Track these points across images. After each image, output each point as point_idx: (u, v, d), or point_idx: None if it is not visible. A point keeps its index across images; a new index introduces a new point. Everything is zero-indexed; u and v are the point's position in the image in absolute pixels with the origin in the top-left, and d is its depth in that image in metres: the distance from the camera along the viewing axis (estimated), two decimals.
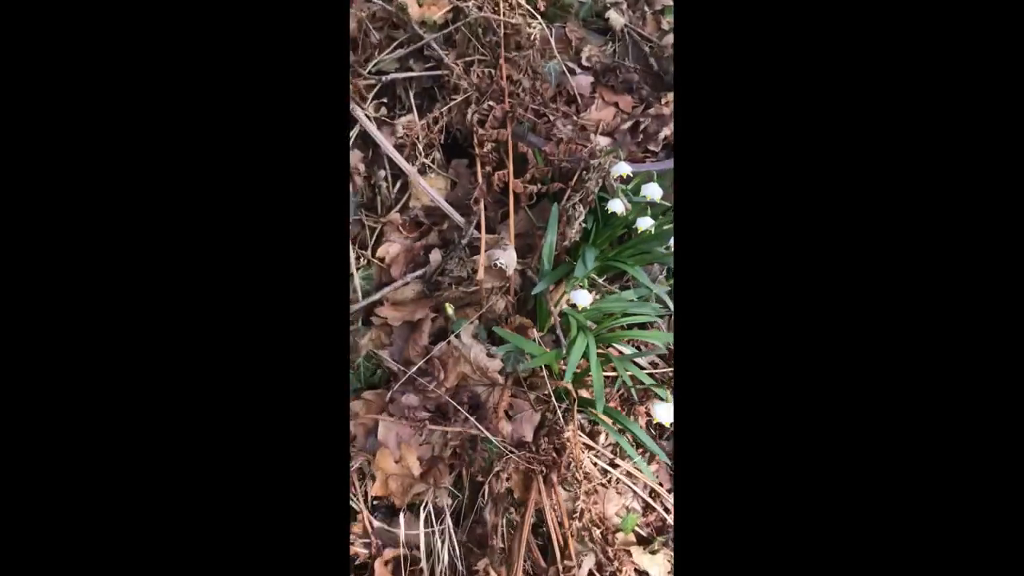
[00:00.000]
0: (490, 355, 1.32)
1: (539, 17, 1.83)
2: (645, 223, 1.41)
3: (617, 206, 1.40)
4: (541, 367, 1.38)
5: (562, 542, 1.30)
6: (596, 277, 1.62)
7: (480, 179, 1.49)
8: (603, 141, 1.81)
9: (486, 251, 1.41)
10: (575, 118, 1.59)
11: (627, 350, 1.55)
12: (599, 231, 1.57)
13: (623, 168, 1.39)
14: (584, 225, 1.48)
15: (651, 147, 1.77)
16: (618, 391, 1.54)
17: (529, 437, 1.33)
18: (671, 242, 1.30)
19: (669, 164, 1.61)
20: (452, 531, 1.18)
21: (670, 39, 1.99)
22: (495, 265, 1.35)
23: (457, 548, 1.16)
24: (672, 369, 1.63)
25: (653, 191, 1.38)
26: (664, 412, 1.16)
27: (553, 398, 1.38)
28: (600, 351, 1.45)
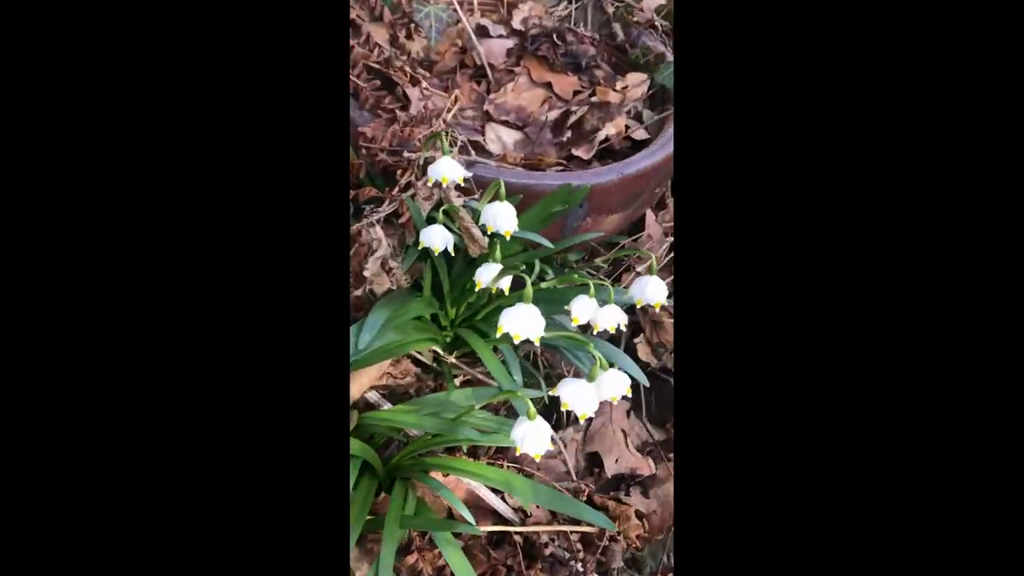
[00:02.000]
0: None
1: None
2: (486, 274, 0.76)
3: (434, 238, 0.76)
4: None
5: None
6: (442, 353, 0.97)
7: None
8: (507, 136, 1.18)
9: None
10: (425, 86, 0.96)
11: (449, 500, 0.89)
12: (448, 274, 0.93)
13: (446, 169, 0.75)
14: (395, 264, 0.85)
15: (579, 152, 1.11)
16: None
17: None
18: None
19: (583, 178, 0.94)
20: None
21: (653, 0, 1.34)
22: None
23: None
24: (545, 529, 0.94)
25: (496, 216, 0.73)
26: None
27: None
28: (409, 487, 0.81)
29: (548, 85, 1.24)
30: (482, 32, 1.24)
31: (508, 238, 0.76)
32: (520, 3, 1.36)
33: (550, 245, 0.84)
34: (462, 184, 0.77)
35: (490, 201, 0.77)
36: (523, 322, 0.66)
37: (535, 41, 1.25)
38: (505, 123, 1.18)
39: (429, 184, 0.78)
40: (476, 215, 0.85)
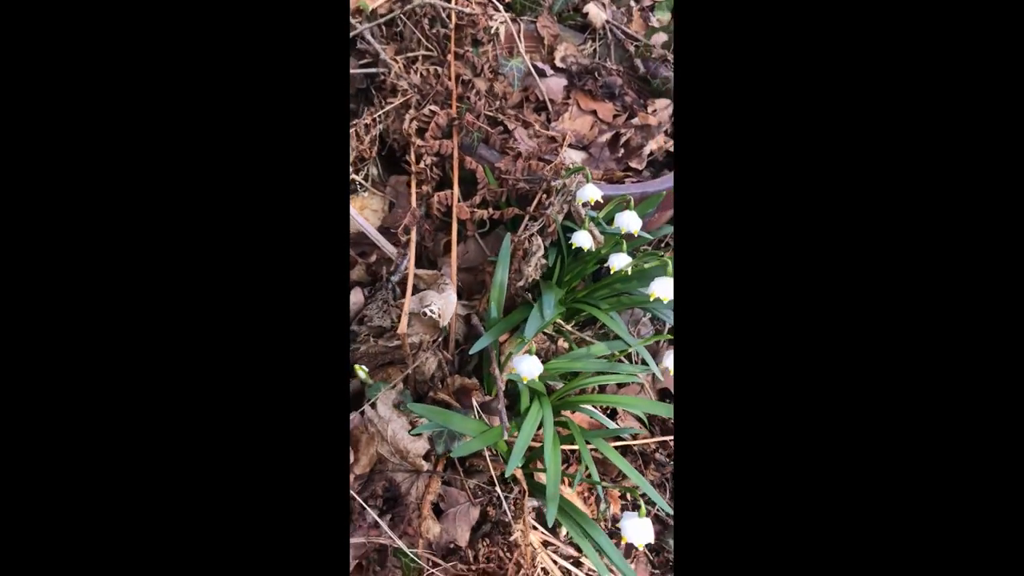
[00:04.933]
0: (414, 433, 1.02)
1: (502, 9, 1.55)
2: (619, 261, 1.11)
3: (583, 239, 1.11)
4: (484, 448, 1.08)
5: None
6: (563, 323, 1.32)
7: (414, 201, 1.19)
8: (575, 156, 1.52)
9: (417, 293, 1.11)
10: (537, 128, 1.29)
11: (607, 421, 1.24)
12: (566, 266, 1.27)
13: (591, 192, 1.10)
14: (544, 260, 1.18)
15: (633, 164, 1.47)
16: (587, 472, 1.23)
17: (464, 541, 1.02)
18: (656, 287, 1.01)
19: (653, 186, 1.31)
20: None
21: (659, 38, 1.71)
22: (425, 313, 1.04)
23: None
24: (653, 440, 1.32)
25: (629, 221, 1.08)
26: (637, 531, 0.85)
27: (498, 487, 1.07)
28: (560, 419, 1.15)
29: (594, 112, 1.59)
30: (540, 73, 1.57)
31: (636, 236, 1.11)
32: (556, 44, 1.69)
33: (649, 237, 1.20)
34: (600, 201, 1.11)
35: (617, 210, 1.12)
36: (667, 287, 1.02)
37: (581, 77, 1.60)
38: (570, 146, 1.52)
39: (578, 202, 1.11)
40: (596, 220, 1.19)
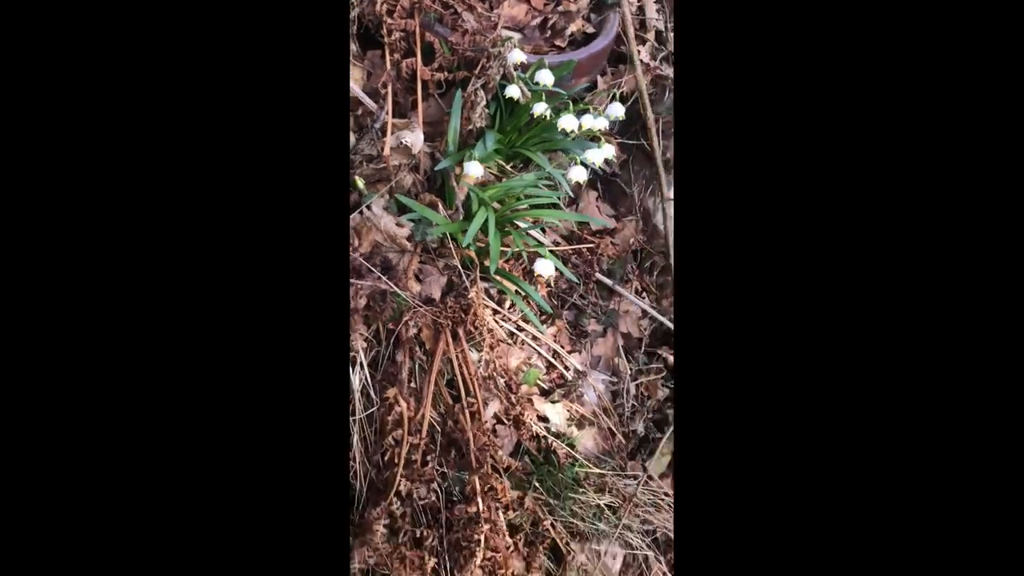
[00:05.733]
0: (399, 224, 1.49)
1: None
2: (540, 108, 1.56)
3: (514, 92, 1.55)
4: (447, 238, 1.56)
5: (469, 386, 1.53)
6: (504, 164, 1.78)
7: (389, 66, 1.60)
8: (513, 36, 1.92)
9: (395, 133, 1.54)
10: (480, 11, 1.69)
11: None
12: (504, 119, 1.72)
13: (518, 56, 1.53)
14: (488, 111, 1.62)
15: (558, 42, 1.89)
16: (520, 264, 1.74)
17: (437, 296, 1.53)
18: (562, 121, 1.47)
19: (567, 56, 1.74)
20: (366, 368, 1.38)
21: None
22: (401, 143, 1.49)
23: (370, 379, 1.37)
24: (570, 248, 1.84)
25: (544, 77, 1.53)
26: (544, 267, 1.36)
27: (459, 265, 1.57)
28: (504, 231, 1.64)
29: (528, 2, 1.98)
30: None
31: (553, 91, 1.56)
32: None
33: (564, 93, 1.65)
34: (525, 63, 1.55)
35: (537, 70, 1.56)
36: (571, 121, 1.48)
37: None
38: (508, 28, 1.92)
39: (509, 64, 1.55)
40: (523, 79, 1.63)
